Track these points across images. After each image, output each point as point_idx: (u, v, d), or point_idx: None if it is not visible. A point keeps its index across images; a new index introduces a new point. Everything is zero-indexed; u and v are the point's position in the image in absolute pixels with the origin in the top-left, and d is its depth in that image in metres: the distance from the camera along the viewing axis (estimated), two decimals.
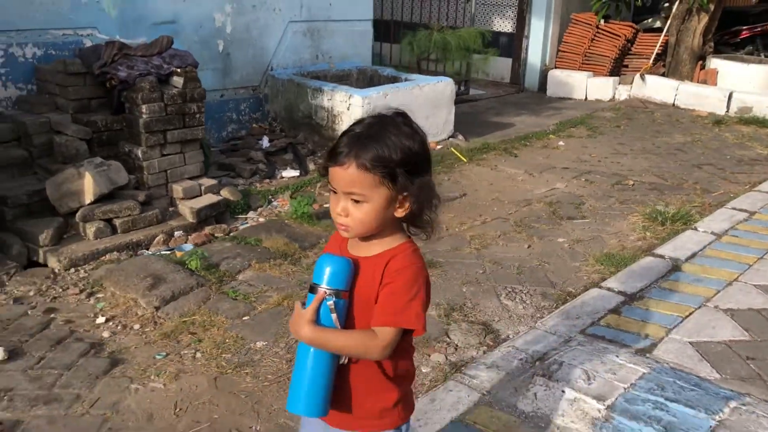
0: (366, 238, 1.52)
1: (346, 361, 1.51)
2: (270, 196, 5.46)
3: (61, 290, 3.96)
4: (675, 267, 4.08)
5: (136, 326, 3.54)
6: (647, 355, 3.09)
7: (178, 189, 5.03)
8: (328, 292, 1.44)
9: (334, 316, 1.44)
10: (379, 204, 1.45)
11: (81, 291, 3.97)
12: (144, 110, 4.82)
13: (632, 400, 2.68)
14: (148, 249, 4.57)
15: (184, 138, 5.09)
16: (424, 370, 3.09)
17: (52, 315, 3.69)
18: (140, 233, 4.64)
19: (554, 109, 9.27)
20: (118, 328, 3.52)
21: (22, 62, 5.07)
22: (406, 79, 6.98)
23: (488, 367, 2.96)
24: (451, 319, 3.53)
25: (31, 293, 3.92)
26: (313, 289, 1.46)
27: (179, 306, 3.70)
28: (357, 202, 1.45)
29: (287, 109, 6.77)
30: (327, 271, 1.45)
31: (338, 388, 1.53)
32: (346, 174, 1.43)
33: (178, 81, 5.01)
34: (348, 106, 6.16)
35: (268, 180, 5.87)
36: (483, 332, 3.39)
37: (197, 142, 5.22)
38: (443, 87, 6.85)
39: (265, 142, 6.47)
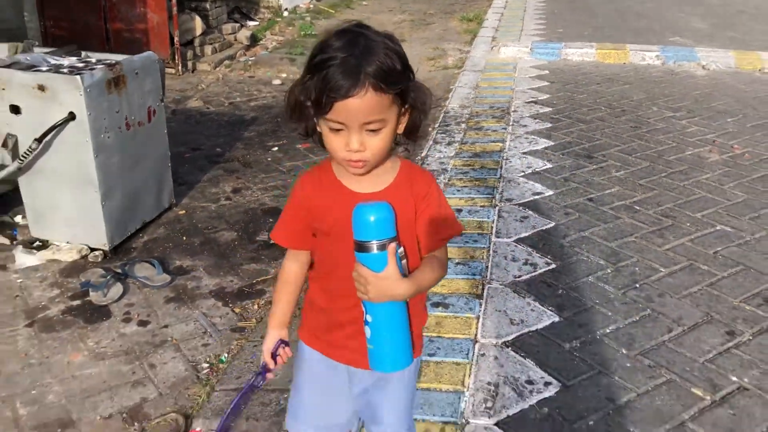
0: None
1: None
2: (260, 33, 8.88)
3: (234, 74, 7.23)
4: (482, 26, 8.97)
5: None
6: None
7: (227, 27, 8.27)
8: (393, 243, 1.25)
9: (404, 262, 1.29)
10: (394, 125, 1.29)
11: (244, 71, 7.31)
12: None
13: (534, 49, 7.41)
14: (237, 58, 7.87)
15: None
16: (450, 60, 7.46)
17: (252, 75, 7.05)
18: (230, 50, 7.91)
19: None
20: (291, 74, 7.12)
21: None
22: None
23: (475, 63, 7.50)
24: (440, 50, 7.92)
25: (220, 76, 7.14)
26: (363, 247, 1.24)
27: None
28: (374, 131, 1.26)
29: None
30: (376, 222, 1.23)
31: None
32: (363, 103, 1.21)
33: None
34: None
35: (244, 27, 9.19)
36: (459, 51, 7.88)
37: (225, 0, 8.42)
38: None
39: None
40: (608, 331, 2.64)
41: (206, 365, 2.60)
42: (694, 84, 6.22)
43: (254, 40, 8.48)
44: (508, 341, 2.55)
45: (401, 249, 1.27)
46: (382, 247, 1.23)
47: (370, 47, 1.24)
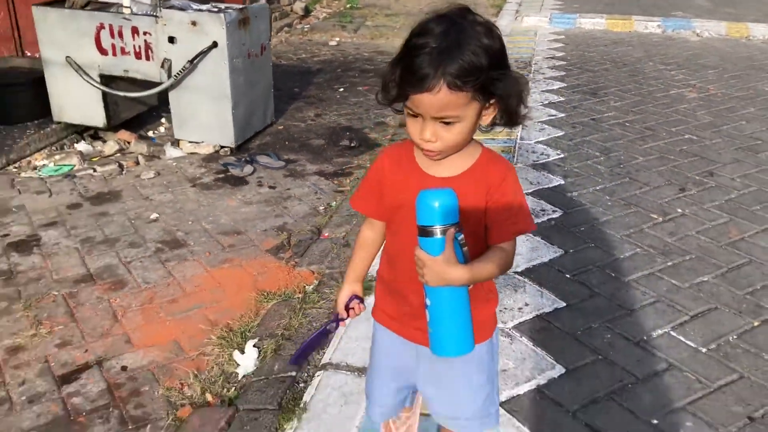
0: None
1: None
2: (312, 6, 10.10)
3: (294, 38, 8.44)
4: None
5: (352, 39, 8.39)
6: None
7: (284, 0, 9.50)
8: (452, 229, 1.25)
9: (464, 249, 1.29)
10: (472, 121, 1.31)
11: (303, 36, 8.53)
12: None
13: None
14: (294, 26, 9.10)
15: None
16: None
17: (310, 39, 8.27)
18: (287, 19, 9.15)
19: None
20: (343, 38, 8.32)
21: None
22: None
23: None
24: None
25: (282, 40, 8.36)
26: (425, 231, 1.26)
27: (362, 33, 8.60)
28: (448, 123, 1.29)
29: None
30: (439, 208, 1.24)
31: None
32: (436, 99, 1.24)
33: None
34: None
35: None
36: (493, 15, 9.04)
37: None
38: None
39: None
40: (597, 188, 3.85)
41: (322, 207, 3.84)
42: (687, 47, 7.37)
43: (307, 11, 9.71)
44: (528, 192, 3.77)
45: (461, 236, 1.26)
46: (443, 233, 1.24)
47: (461, 41, 1.24)
